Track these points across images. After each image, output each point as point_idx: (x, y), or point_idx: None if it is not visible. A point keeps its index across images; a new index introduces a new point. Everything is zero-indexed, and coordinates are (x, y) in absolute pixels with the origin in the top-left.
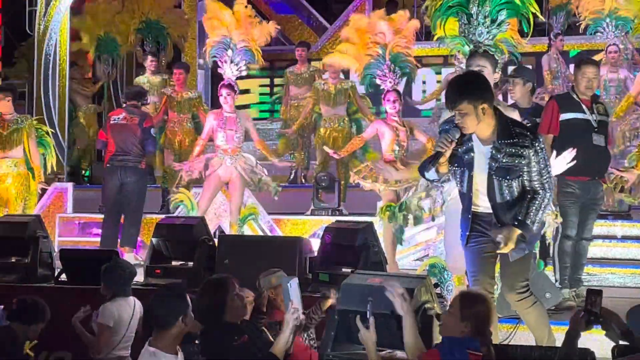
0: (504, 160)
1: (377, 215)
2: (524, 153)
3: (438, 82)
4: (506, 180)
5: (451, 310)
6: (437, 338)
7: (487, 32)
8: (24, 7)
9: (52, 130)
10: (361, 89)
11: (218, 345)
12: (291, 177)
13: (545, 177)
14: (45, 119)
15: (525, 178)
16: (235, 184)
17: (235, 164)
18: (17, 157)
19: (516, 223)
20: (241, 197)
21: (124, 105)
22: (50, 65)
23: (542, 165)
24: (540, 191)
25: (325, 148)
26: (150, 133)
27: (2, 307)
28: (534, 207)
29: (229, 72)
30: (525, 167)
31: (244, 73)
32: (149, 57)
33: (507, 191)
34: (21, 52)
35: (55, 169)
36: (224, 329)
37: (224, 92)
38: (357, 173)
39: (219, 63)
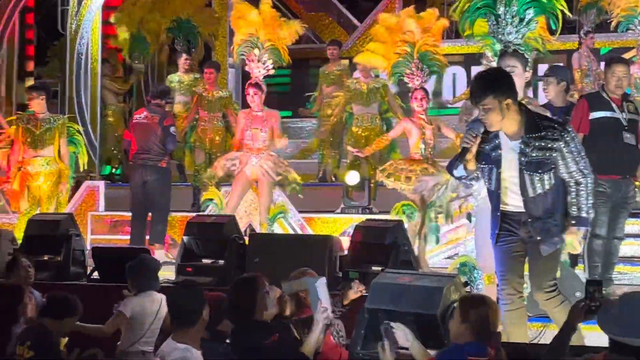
0: (534, 155)
1: (391, 213)
2: (554, 146)
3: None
4: (538, 175)
5: (454, 315)
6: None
7: (516, 32)
8: (56, 6)
9: (83, 128)
10: (394, 89)
11: (249, 344)
12: (320, 175)
13: (581, 164)
14: (77, 117)
15: (562, 171)
16: (262, 183)
17: (261, 163)
18: (49, 156)
19: (573, 222)
20: (270, 196)
21: (148, 103)
22: (82, 64)
23: (575, 154)
24: (582, 179)
25: (349, 148)
26: (169, 131)
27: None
28: (583, 197)
29: (255, 71)
30: (559, 160)
31: (271, 72)
32: (183, 56)
33: (539, 185)
34: (53, 51)
35: (86, 167)
36: (255, 328)
37: (250, 91)
38: (382, 171)
39: (246, 62)
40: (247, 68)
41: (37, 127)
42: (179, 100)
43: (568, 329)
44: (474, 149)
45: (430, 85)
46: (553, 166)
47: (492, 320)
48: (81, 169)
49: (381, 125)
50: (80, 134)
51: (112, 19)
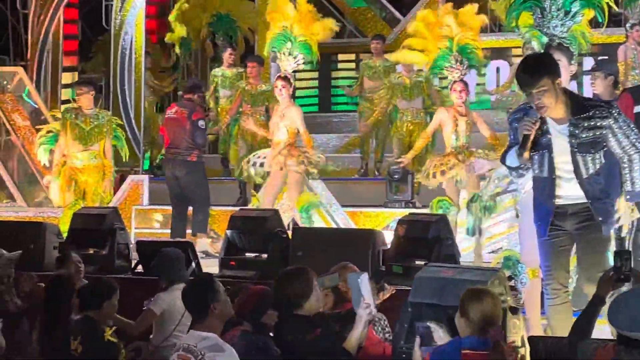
0: (584, 136)
1: (430, 208)
2: (604, 124)
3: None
4: (590, 155)
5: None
6: (511, 331)
7: (562, 25)
8: (101, 1)
9: (121, 122)
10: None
11: (291, 337)
12: (362, 170)
13: (632, 137)
14: (122, 111)
15: (614, 148)
16: (289, 178)
17: (287, 158)
18: (95, 150)
19: (627, 197)
20: (297, 191)
21: (181, 98)
22: (127, 59)
23: (625, 128)
24: (635, 154)
25: (396, 159)
26: (198, 125)
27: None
28: (637, 172)
29: (285, 64)
30: (610, 137)
31: (301, 67)
32: (229, 50)
33: (591, 165)
34: (98, 46)
35: (127, 159)
36: (297, 322)
37: (279, 84)
38: (422, 173)
39: (278, 55)
40: (277, 61)
41: (85, 122)
42: (224, 94)
43: (597, 300)
44: (532, 136)
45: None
46: (604, 144)
47: (492, 314)
48: (124, 160)
49: (426, 120)
50: (123, 127)
51: (171, 17)
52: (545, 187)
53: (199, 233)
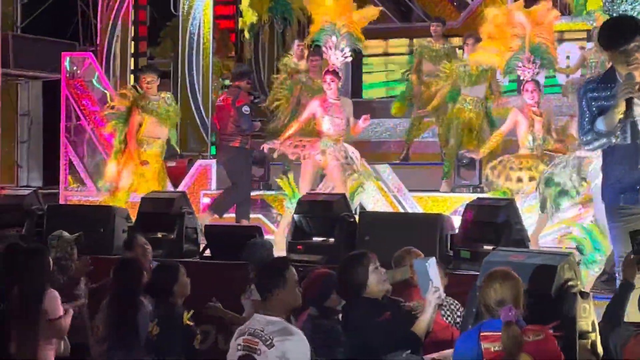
0: None
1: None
2: None
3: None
4: None
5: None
6: (580, 316)
7: (632, 9)
8: None
9: (195, 108)
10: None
11: (359, 321)
12: (402, 155)
13: None
14: (190, 97)
15: None
16: (332, 173)
17: (334, 153)
18: (160, 136)
19: None
20: (344, 186)
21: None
22: (195, 45)
23: None
24: None
25: (466, 153)
26: (242, 111)
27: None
28: None
29: (333, 58)
30: None
31: (348, 59)
32: (296, 42)
33: None
34: (166, 31)
35: (178, 144)
36: (366, 305)
37: (328, 78)
38: (492, 169)
39: (324, 49)
40: (324, 56)
41: (151, 108)
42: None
43: (626, 286)
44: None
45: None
46: None
47: (502, 297)
48: (174, 146)
49: (485, 109)
50: (189, 113)
51: (243, 3)
52: (627, 154)
53: (242, 219)
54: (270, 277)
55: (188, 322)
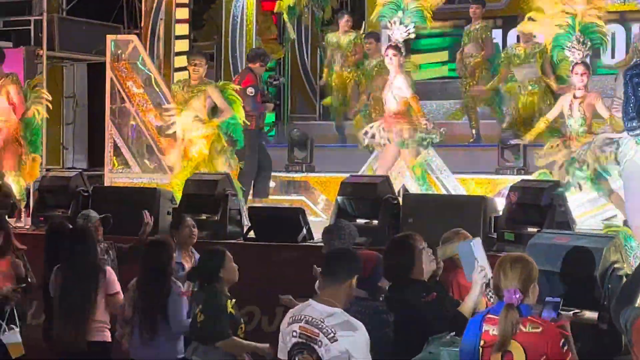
0: None
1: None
2: None
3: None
4: None
5: None
6: None
7: None
8: None
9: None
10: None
11: (406, 302)
12: (473, 137)
13: None
14: (232, 79)
15: None
16: (389, 146)
17: (399, 127)
18: (204, 118)
19: None
20: (393, 161)
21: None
22: (238, 27)
23: None
24: None
25: (512, 142)
26: (246, 93)
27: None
28: None
29: (397, 33)
30: None
31: (412, 35)
32: (345, 16)
33: None
34: (209, 14)
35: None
36: (411, 286)
37: (389, 52)
38: (541, 158)
39: (388, 24)
40: (387, 31)
41: (191, 92)
42: (338, 61)
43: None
44: None
45: None
46: None
47: (518, 280)
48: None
49: (541, 89)
50: (235, 96)
51: None
52: None
53: (260, 198)
54: (345, 263)
55: (232, 311)
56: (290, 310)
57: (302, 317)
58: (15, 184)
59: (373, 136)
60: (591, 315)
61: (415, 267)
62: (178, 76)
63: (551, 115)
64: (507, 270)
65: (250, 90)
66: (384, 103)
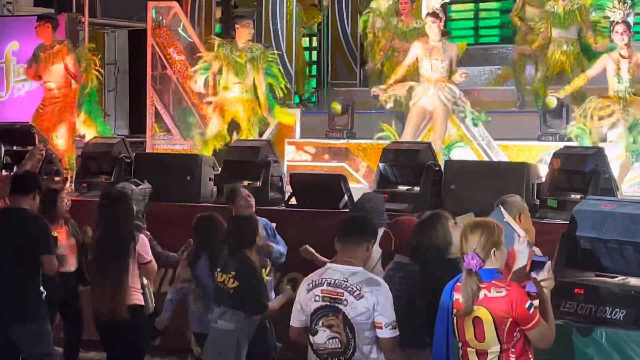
0: None
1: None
2: None
3: None
4: None
5: None
6: None
7: None
8: None
9: (279, 52)
10: None
11: (441, 282)
12: (518, 103)
13: None
14: (273, 44)
15: None
16: (437, 114)
17: (438, 94)
18: (247, 84)
19: None
20: (444, 127)
21: None
22: None
23: None
24: None
25: (550, 98)
26: None
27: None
28: None
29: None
30: None
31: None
32: None
33: None
34: None
35: (284, 94)
36: (447, 266)
37: (429, 20)
38: (581, 115)
39: None
40: None
41: (240, 56)
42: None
43: None
44: None
45: None
46: None
47: (478, 245)
48: (278, 97)
49: (579, 50)
50: (278, 63)
51: None
52: None
53: None
54: (363, 228)
55: (267, 278)
56: (307, 277)
57: (322, 281)
58: (68, 151)
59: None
60: (636, 282)
61: (447, 246)
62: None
63: (591, 72)
64: (468, 236)
65: None
66: (419, 67)
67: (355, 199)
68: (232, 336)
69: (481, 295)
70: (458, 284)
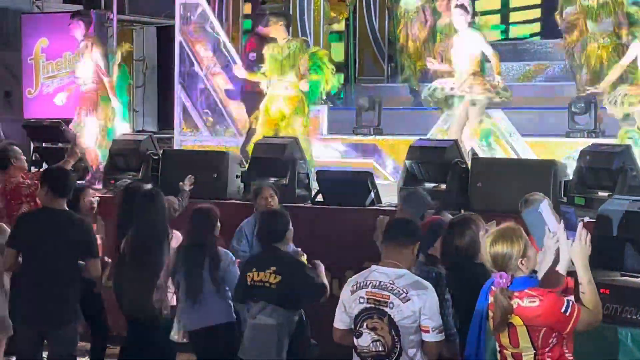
0: None
1: (618, 139)
2: None
3: None
4: None
5: None
6: None
7: None
8: None
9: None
10: None
11: (470, 285)
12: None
13: None
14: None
15: None
16: (470, 108)
17: (468, 87)
18: (290, 81)
19: None
20: (477, 119)
21: None
22: None
23: None
24: None
25: (589, 91)
26: (249, 57)
27: None
28: None
29: None
30: None
31: None
32: None
33: None
34: None
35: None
36: (476, 269)
37: (457, 12)
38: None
39: None
40: None
41: (279, 52)
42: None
43: None
44: None
45: None
46: None
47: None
48: (323, 96)
49: (616, 43)
50: (324, 61)
51: None
52: None
53: None
54: (405, 233)
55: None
56: (351, 279)
57: (367, 283)
58: (99, 148)
59: (435, 90)
60: None
61: (478, 250)
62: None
63: (624, 62)
64: (490, 251)
65: (252, 55)
66: (451, 61)
67: (381, 197)
68: (273, 331)
69: (514, 304)
70: (493, 287)
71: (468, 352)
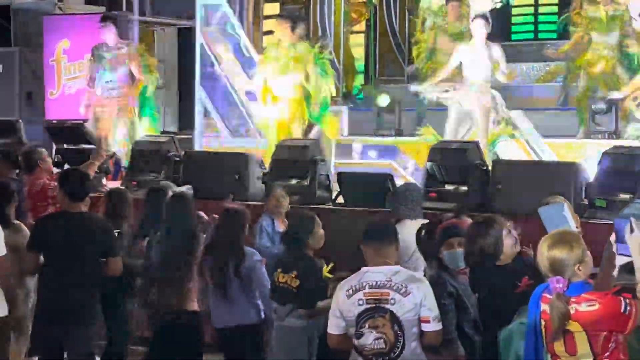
0: None
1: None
2: None
3: None
4: None
5: None
6: None
7: None
8: None
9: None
10: None
11: (494, 289)
12: (560, 100)
13: None
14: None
15: None
16: (476, 113)
17: (480, 98)
18: (295, 82)
19: None
20: (486, 124)
21: None
22: None
23: None
24: None
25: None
26: None
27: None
28: None
29: (483, 4)
30: None
31: (498, 5)
32: None
33: None
34: None
35: (334, 94)
36: (500, 273)
37: (476, 23)
38: (634, 100)
39: None
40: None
41: (284, 54)
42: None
43: None
44: None
45: None
46: None
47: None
48: (328, 99)
49: (619, 56)
50: (329, 63)
51: None
52: None
53: None
54: (387, 234)
55: (327, 275)
56: (342, 284)
57: (363, 285)
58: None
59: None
60: None
61: (501, 250)
62: (267, 40)
63: None
64: (546, 254)
65: None
66: (463, 69)
67: None
68: (302, 333)
69: (572, 309)
70: (545, 294)
71: None
